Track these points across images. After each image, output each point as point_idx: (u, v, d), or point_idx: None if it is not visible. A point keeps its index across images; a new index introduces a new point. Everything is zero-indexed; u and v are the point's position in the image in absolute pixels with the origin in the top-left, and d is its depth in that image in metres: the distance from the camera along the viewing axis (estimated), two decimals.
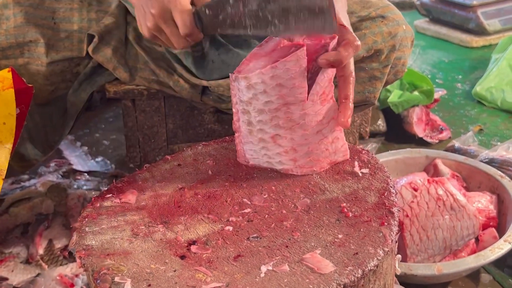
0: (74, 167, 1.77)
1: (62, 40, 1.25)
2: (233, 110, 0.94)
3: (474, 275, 1.30)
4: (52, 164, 1.77)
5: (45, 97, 1.26)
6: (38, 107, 1.26)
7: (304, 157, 0.92)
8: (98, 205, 0.88)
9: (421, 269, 1.19)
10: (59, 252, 1.39)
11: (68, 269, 1.32)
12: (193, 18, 0.97)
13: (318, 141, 0.91)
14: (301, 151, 0.91)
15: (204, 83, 1.26)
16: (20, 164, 1.31)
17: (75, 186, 1.64)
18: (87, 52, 1.26)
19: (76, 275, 1.30)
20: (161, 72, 1.29)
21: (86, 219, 0.85)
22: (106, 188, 0.94)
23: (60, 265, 1.35)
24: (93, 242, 0.80)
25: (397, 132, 1.91)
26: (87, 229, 0.83)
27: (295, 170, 0.93)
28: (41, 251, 1.38)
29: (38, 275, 1.31)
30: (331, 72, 0.91)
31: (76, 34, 1.26)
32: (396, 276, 1.16)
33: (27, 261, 1.37)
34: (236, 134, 0.97)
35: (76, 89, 1.30)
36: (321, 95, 0.89)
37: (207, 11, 0.96)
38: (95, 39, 1.24)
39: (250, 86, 0.88)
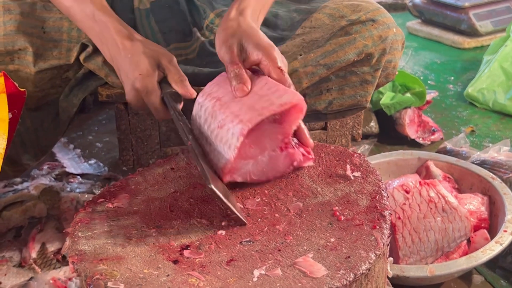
0: (67, 169, 1.76)
1: (51, 50, 1.24)
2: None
3: (466, 276, 1.31)
4: (45, 167, 1.76)
5: (35, 102, 1.26)
6: (29, 111, 1.25)
7: (248, 112, 0.90)
8: (91, 209, 0.89)
9: (414, 271, 1.19)
10: (52, 255, 1.39)
11: (61, 273, 1.31)
12: (162, 104, 1.02)
13: (258, 97, 0.93)
14: (242, 110, 0.90)
15: (195, 89, 1.26)
16: (12, 168, 1.31)
17: (68, 189, 1.64)
18: (76, 59, 1.25)
19: (69, 279, 1.29)
20: None
21: (79, 223, 0.85)
22: (98, 192, 0.94)
23: (53, 268, 1.35)
24: (86, 247, 0.80)
25: (389, 134, 1.91)
26: (80, 234, 0.83)
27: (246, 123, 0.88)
28: (34, 254, 1.38)
29: (31, 278, 1.30)
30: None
31: (65, 43, 1.25)
32: (388, 278, 1.16)
33: (20, 265, 1.36)
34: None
35: (67, 95, 1.30)
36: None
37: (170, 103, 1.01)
38: (89, 49, 1.23)
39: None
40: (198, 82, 1.24)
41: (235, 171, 0.90)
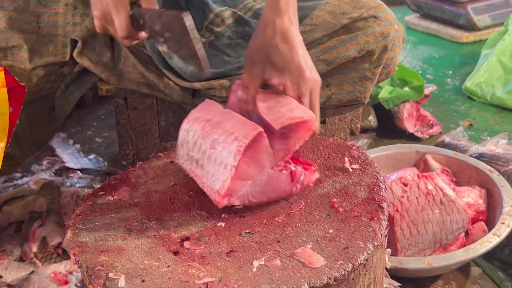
0: (67, 164, 1.77)
1: (46, 45, 1.24)
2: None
3: (464, 268, 1.32)
4: (45, 162, 1.77)
5: (29, 96, 1.25)
6: (24, 105, 1.25)
7: (242, 128, 0.85)
8: (92, 202, 0.89)
9: (412, 262, 1.20)
10: (53, 249, 1.40)
11: (62, 266, 1.32)
12: (129, 20, 0.97)
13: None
14: (236, 127, 0.85)
15: (197, 85, 1.26)
16: (5, 162, 1.31)
17: (68, 184, 1.64)
18: (71, 56, 1.25)
19: (70, 272, 1.30)
20: (150, 75, 1.27)
21: (80, 216, 0.86)
22: (99, 186, 0.95)
23: (54, 262, 1.35)
24: (87, 239, 0.81)
25: (388, 128, 1.92)
26: (80, 226, 0.83)
27: (242, 140, 0.83)
28: (34, 248, 1.39)
29: (32, 272, 1.31)
30: None
31: (60, 38, 1.25)
32: (387, 269, 1.17)
33: (21, 259, 1.37)
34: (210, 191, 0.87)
35: (63, 91, 1.30)
36: None
37: (140, 21, 0.97)
38: (79, 44, 1.23)
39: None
40: (201, 81, 1.25)
41: (232, 193, 0.83)
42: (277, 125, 0.86)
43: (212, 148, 0.84)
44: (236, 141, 0.82)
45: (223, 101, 0.99)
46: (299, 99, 0.92)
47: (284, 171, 0.87)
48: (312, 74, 0.95)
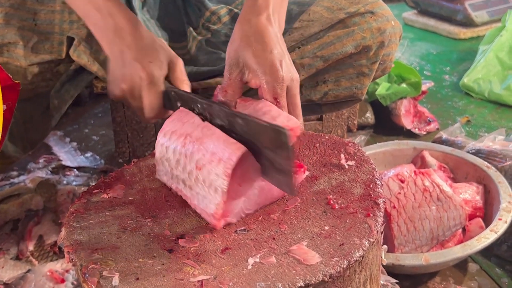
0: (64, 163, 1.77)
1: (42, 42, 1.23)
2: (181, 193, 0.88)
3: (461, 264, 1.32)
4: (41, 160, 1.76)
5: (24, 94, 1.25)
6: (19, 102, 1.25)
7: (226, 148, 0.81)
8: (86, 200, 0.89)
9: (409, 259, 1.20)
10: (49, 248, 1.39)
11: (59, 265, 1.32)
12: (161, 100, 0.92)
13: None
14: (219, 147, 0.82)
15: (194, 84, 1.25)
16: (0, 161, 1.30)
17: (64, 182, 1.64)
18: (67, 54, 1.24)
19: (67, 271, 1.30)
20: None
21: (74, 214, 0.85)
22: (94, 184, 0.94)
23: (51, 261, 1.35)
24: (81, 237, 0.80)
25: (385, 125, 1.92)
26: (75, 224, 0.83)
27: (228, 162, 0.80)
28: (31, 247, 1.38)
29: (28, 271, 1.31)
30: None
31: (57, 36, 1.24)
32: (384, 266, 1.17)
33: (17, 257, 1.37)
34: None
35: (58, 90, 1.29)
36: None
37: (178, 104, 0.91)
38: (76, 42, 1.22)
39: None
40: (198, 80, 1.24)
41: (228, 214, 0.81)
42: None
43: (198, 169, 0.82)
44: (221, 162, 0.78)
45: None
46: (276, 100, 0.89)
47: None
48: (289, 72, 0.91)
